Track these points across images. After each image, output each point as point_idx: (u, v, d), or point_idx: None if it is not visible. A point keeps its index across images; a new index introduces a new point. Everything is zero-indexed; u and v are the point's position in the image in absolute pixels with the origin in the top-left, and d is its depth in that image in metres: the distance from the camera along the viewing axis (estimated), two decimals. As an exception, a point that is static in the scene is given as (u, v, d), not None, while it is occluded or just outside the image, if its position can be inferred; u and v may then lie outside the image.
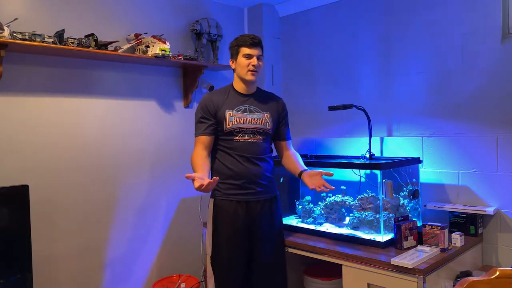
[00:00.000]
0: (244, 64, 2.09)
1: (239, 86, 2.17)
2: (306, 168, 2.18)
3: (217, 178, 1.87)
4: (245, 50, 2.09)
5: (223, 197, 2.11)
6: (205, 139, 2.09)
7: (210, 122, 2.10)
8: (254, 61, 2.09)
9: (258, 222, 2.12)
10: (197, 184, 1.80)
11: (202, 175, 1.87)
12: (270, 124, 2.17)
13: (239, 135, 2.10)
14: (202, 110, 2.12)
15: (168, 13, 2.87)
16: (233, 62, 2.16)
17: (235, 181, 2.09)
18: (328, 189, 2.04)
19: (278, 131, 2.26)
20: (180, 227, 2.94)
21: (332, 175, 2.05)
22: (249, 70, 2.10)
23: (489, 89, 2.31)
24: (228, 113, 2.10)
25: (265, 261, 2.14)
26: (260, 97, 2.21)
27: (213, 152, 2.15)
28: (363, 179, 2.60)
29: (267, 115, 2.17)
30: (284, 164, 2.28)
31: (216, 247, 2.12)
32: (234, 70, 2.16)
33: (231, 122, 2.08)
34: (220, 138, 2.12)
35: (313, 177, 2.07)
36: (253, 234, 2.12)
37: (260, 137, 2.14)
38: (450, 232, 2.23)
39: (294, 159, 2.24)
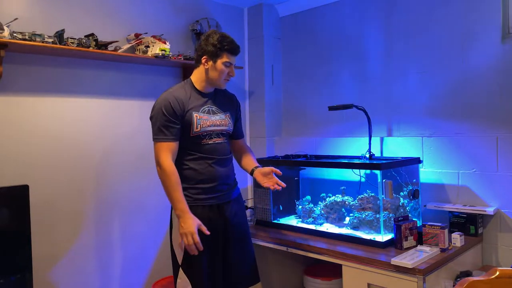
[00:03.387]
0: (223, 71, 1.95)
1: (201, 86, 2.01)
2: (259, 165, 2.16)
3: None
4: (229, 58, 1.95)
5: (193, 203, 1.96)
6: (173, 146, 1.91)
7: (178, 126, 1.91)
8: (233, 72, 1.99)
9: (232, 222, 2.06)
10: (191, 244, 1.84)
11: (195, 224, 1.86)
12: (232, 124, 2.11)
13: (206, 138, 1.98)
14: (166, 111, 1.89)
15: (168, 13, 2.87)
16: (208, 61, 1.96)
17: (205, 184, 1.98)
18: (280, 187, 2.06)
19: (234, 130, 2.16)
20: (180, 227, 2.94)
21: (280, 174, 2.07)
22: (225, 79, 1.99)
23: (489, 89, 2.31)
24: (195, 115, 1.95)
25: (240, 264, 2.09)
26: (218, 96, 2.09)
27: (178, 156, 1.96)
28: (363, 179, 2.60)
29: (228, 116, 2.08)
30: (238, 161, 2.22)
31: (190, 256, 1.93)
32: (206, 69, 1.97)
33: (199, 125, 1.95)
34: (184, 142, 1.96)
35: (266, 176, 2.07)
36: (228, 235, 2.05)
37: (224, 138, 2.06)
38: (450, 232, 2.23)
39: (249, 156, 2.20)
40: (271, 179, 2.07)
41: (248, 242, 2.17)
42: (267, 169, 2.09)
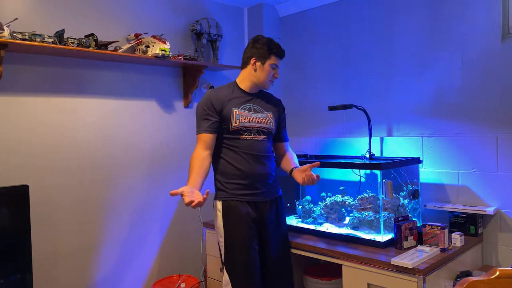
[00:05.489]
0: (269, 72, 2.08)
1: (245, 86, 2.12)
2: (298, 165, 2.16)
3: (208, 191, 1.78)
4: (275, 60, 2.08)
5: (232, 198, 2.04)
6: (207, 137, 2.02)
7: (214, 119, 2.03)
8: (277, 73, 2.11)
9: (267, 223, 2.09)
10: (187, 199, 1.74)
11: (191, 188, 1.80)
12: (273, 124, 2.16)
13: (245, 133, 2.05)
14: (206, 106, 2.04)
15: (168, 13, 2.87)
16: (257, 62, 2.08)
17: (242, 180, 2.04)
18: (316, 180, 2.01)
19: (278, 133, 2.24)
20: (180, 227, 2.94)
21: (319, 164, 2.03)
22: (270, 80, 2.10)
23: (489, 89, 2.31)
24: (235, 111, 2.05)
25: (275, 267, 2.12)
26: (262, 98, 2.19)
27: (217, 151, 2.08)
28: (363, 179, 2.60)
29: (270, 115, 2.15)
30: (281, 165, 2.25)
31: (231, 251, 2.03)
32: (254, 70, 2.09)
33: (237, 120, 2.04)
34: (225, 137, 2.06)
35: (303, 172, 2.05)
36: (262, 236, 2.09)
37: (265, 136, 2.11)
38: (450, 232, 2.23)
39: (289, 159, 2.22)
40: (308, 175, 2.01)
41: (286, 249, 2.21)
42: (304, 166, 2.05)
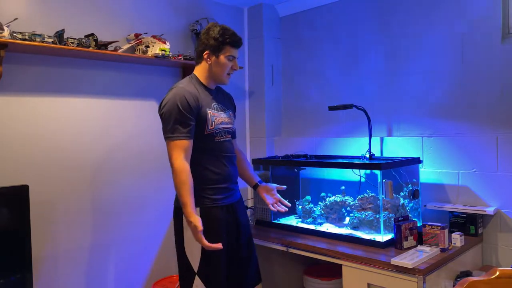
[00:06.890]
0: (226, 66, 1.89)
1: (206, 82, 1.94)
2: (259, 179, 2.19)
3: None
4: (231, 51, 1.89)
5: (212, 204, 1.89)
6: (187, 145, 1.79)
7: (193, 122, 1.81)
8: (236, 65, 1.93)
9: (242, 221, 2.04)
10: (206, 242, 1.72)
11: (199, 218, 1.74)
12: (234, 123, 2.08)
13: (218, 135, 1.92)
14: (182, 107, 1.78)
15: (168, 13, 2.87)
16: (210, 56, 1.88)
17: (221, 184, 1.93)
18: (283, 209, 2.12)
19: None
20: (180, 227, 2.94)
21: (284, 188, 2.13)
22: (228, 74, 1.93)
23: (489, 89, 2.31)
24: (209, 112, 1.87)
25: (248, 261, 2.08)
26: (220, 94, 2.04)
27: (194, 159, 1.85)
28: (363, 179, 2.60)
29: (231, 113, 2.04)
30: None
31: (208, 261, 1.86)
32: (209, 64, 1.90)
33: (213, 122, 1.88)
34: (198, 140, 1.86)
35: (269, 192, 2.11)
36: (239, 235, 2.03)
37: (230, 136, 2.02)
38: (450, 232, 2.23)
39: (246, 166, 2.19)
40: (274, 197, 2.13)
41: (253, 242, 2.16)
42: (270, 186, 2.13)
